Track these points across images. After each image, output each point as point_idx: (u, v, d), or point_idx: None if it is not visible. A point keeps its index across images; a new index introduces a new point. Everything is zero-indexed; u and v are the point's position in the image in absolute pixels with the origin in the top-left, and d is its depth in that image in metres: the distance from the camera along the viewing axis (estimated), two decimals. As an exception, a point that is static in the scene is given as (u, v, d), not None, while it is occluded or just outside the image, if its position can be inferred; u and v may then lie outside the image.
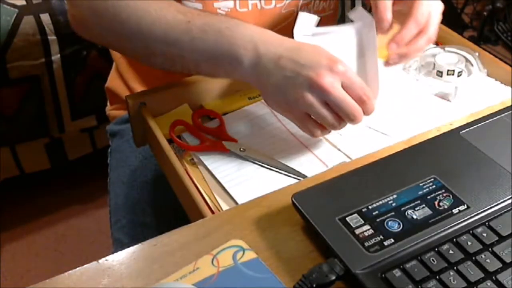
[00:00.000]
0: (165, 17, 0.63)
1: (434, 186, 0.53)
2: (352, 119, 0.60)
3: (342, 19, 1.31)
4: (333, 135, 0.69)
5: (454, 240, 0.48)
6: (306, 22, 0.69)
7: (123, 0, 0.65)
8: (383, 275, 0.45)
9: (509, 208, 0.51)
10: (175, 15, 0.63)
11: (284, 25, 0.83)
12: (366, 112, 0.61)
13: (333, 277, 0.45)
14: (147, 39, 0.64)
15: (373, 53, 0.67)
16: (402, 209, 0.51)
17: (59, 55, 1.31)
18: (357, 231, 0.49)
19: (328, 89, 0.57)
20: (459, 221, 0.50)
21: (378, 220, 0.50)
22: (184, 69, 0.67)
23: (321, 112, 0.59)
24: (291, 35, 0.70)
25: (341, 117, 0.60)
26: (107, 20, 0.66)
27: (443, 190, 0.53)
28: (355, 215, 0.50)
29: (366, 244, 0.48)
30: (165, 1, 0.65)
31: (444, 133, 0.61)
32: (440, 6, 0.69)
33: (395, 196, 0.52)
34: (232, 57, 0.61)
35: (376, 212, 0.51)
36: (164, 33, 0.63)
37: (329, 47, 0.62)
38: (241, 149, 0.66)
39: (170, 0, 0.66)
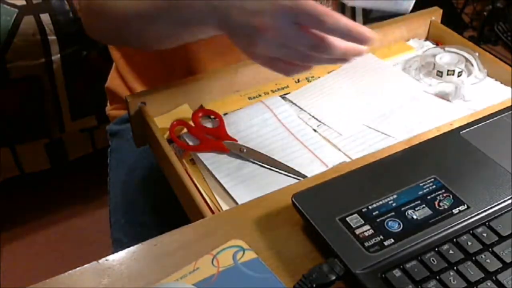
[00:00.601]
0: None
1: (434, 186, 0.53)
2: (316, 49, 0.55)
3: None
4: (333, 135, 0.69)
5: (454, 240, 0.48)
6: None
7: None
8: (383, 275, 0.45)
9: (509, 208, 0.51)
10: None
11: None
12: (338, 34, 0.54)
13: (333, 277, 0.45)
14: (128, 22, 0.68)
15: None
16: (402, 209, 0.51)
17: (59, 55, 1.31)
18: (357, 231, 0.49)
19: (277, 30, 0.54)
20: (459, 221, 0.50)
21: (378, 220, 0.50)
22: (165, 41, 0.69)
23: (281, 53, 0.56)
24: None
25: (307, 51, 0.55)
26: (99, 13, 0.71)
27: (443, 190, 0.53)
28: (355, 215, 0.50)
29: (366, 244, 0.48)
30: None
31: (444, 133, 0.61)
32: None
33: (395, 196, 0.52)
34: (190, 17, 0.61)
35: (376, 212, 0.51)
36: (140, 12, 0.65)
37: None
38: (241, 149, 0.66)
39: None
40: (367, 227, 0.49)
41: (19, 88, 1.32)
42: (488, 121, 0.62)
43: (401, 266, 0.46)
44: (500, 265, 0.46)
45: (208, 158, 0.66)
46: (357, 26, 0.54)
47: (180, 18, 0.63)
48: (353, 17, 1.16)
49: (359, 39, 0.55)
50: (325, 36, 0.54)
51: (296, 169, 0.64)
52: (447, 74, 0.76)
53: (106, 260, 0.50)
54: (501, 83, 0.77)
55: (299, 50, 0.55)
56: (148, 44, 0.72)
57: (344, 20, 0.53)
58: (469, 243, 0.48)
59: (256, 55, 0.58)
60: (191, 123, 0.69)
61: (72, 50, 1.32)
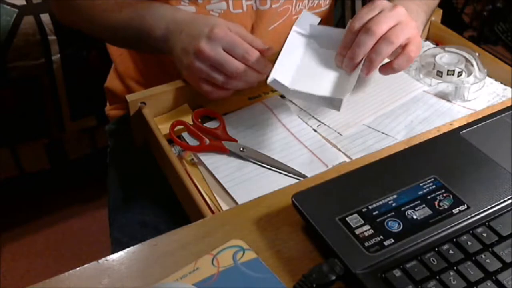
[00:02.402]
0: (105, 8, 0.76)
1: (434, 186, 0.53)
2: (235, 76, 0.66)
3: (342, 19, 1.31)
4: (333, 135, 0.69)
5: (454, 240, 0.48)
6: (306, 21, 0.70)
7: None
8: (383, 275, 0.45)
9: (509, 208, 0.51)
10: (112, 6, 0.75)
11: (280, 23, 0.83)
12: (257, 68, 0.66)
13: (333, 277, 0.45)
14: (98, 27, 0.78)
15: None
16: (402, 209, 0.51)
17: (59, 55, 1.31)
18: (357, 231, 0.49)
19: (208, 54, 0.65)
20: (459, 221, 0.50)
21: (378, 220, 0.50)
22: (136, 49, 0.85)
23: (209, 74, 0.67)
24: (286, 33, 0.71)
25: (228, 75, 0.66)
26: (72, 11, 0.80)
27: (443, 190, 0.53)
28: (355, 215, 0.50)
29: (366, 244, 0.48)
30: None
31: (444, 133, 0.61)
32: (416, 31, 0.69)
33: (395, 196, 0.52)
34: (150, 37, 0.72)
35: (376, 212, 0.51)
36: (107, 22, 0.76)
37: (322, 47, 0.68)
38: (241, 149, 0.66)
39: None
40: (367, 227, 0.49)
41: (19, 88, 1.31)
42: (488, 121, 0.62)
43: (401, 266, 0.46)
44: (500, 265, 0.46)
45: (208, 158, 0.66)
46: (267, 65, 0.66)
47: (141, 41, 0.74)
48: (353, 16, 1.17)
49: (263, 72, 0.67)
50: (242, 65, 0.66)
51: (296, 169, 0.64)
52: (447, 74, 0.76)
53: (106, 260, 0.50)
54: (501, 83, 0.77)
55: (222, 74, 0.66)
56: (114, 44, 0.88)
57: (261, 59, 0.66)
58: (469, 243, 0.48)
59: (190, 76, 0.69)
60: (191, 123, 0.69)
61: (72, 50, 1.32)
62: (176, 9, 0.75)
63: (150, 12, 0.73)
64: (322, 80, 0.67)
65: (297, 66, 0.69)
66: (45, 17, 1.27)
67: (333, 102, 0.62)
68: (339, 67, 0.68)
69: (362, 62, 0.65)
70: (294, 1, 0.81)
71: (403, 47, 0.67)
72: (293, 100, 0.74)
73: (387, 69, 0.69)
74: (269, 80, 0.63)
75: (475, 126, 0.61)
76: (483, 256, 0.47)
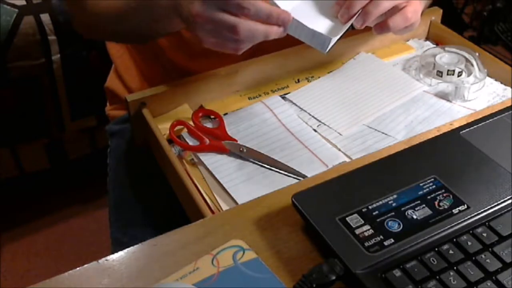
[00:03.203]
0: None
1: (434, 186, 0.53)
2: (234, 32, 0.60)
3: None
4: (333, 135, 0.69)
5: (454, 240, 0.48)
6: None
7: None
8: (383, 275, 0.45)
9: (509, 208, 0.51)
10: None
11: None
12: (259, 19, 0.60)
13: (333, 277, 0.45)
14: (103, 18, 0.75)
15: None
16: (402, 209, 0.51)
17: (59, 55, 1.31)
18: (357, 231, 0.49)
19: (205, 17, 0.60)
20: (459, 221, 0.50)
21: (378, 220, 0.50)
22: (140, 36, 0.77)
23: (216, 38, 0.62)
24: (287, 34, 0.71)
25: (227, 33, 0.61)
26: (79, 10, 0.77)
27: (443, 190, 0.53)
28: (355, 215, 0.50)
29: (366, 244, 0.48)
30: None
31: (444, 133, 0.61)
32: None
33: (395, 196, 0.52)
34: (162, 15, 0.67)
35: (376, 212, 0.51)
36: (114, 11, 0.73)
37: None
38: (241, 149, 0.66)
39: None
40: (367, 227, 0.49)
41: (19, 88, 1.31)
42: (488, 121, 0.62)
43: (401, 266, 0.46)
44: (500, 265, 0.46)
45: (208, 158, 0.66)
46: (275, 11, 0.60)
47: (150, 15, 0.69)
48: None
49: (279, 22, 0.61)
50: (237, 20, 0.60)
51: (296, 169, 0.64)
52: (447, 74, 0.76)
53: (106, 260, 0.50)
54: (501, 83, 0.77)
55: (227, 34, 0.61)
56: (125, 39, 0.83)
57: (263, 7, 0.60)
58: (469, 243, 0.48)
59: (204, 41, 0.63)
60: (191, 123, 0.69)
61: (72, 50, 1.32)
62: None
63: None
64: (314, 23, 0.65)
65: (293, 7, 0.65)
66: (45, 17, 1.27)
67: (322, 40, 0.62)
68: (334, 16, 0.66)
69: (357, 14, 0.64)
70: None
71: (401, 8, 0.65)
72: None
73: (382, 27, 0.66)
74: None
75: (475, 126, 0.61)
76: (483, 256, 0.47)
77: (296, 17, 0.62)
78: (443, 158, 0.57)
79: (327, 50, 0.63)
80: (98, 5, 0.74)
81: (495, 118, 0.62)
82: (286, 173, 0.64)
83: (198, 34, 0.63)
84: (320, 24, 0.65)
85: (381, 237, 0.48)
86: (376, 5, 0.64)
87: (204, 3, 0.60)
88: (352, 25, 0.66)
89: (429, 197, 0.52)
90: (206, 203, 0.59)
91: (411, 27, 0.68)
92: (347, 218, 0.50)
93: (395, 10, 0.65)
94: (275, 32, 0.61)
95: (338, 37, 0.63)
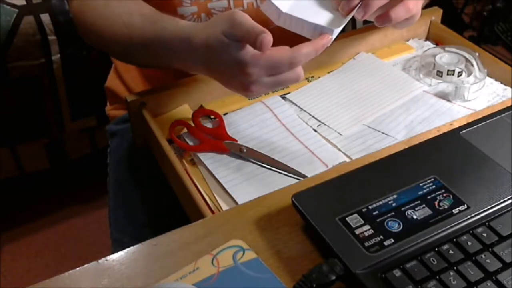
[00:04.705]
0: (114, 31, 0.71)
1: (434, 186, 0.53)
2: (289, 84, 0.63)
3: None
4: (333, 135, 0.69)
5: (454, 240, 0.48)
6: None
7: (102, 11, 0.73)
8: (383, 275, 0.45)
9: (509, 208, 0.51)
10: (121, 30, 0.70)
11: None
12: (295, 62, 0.60)
13: (333, 277, 0.45)
14: (110, 46, 0.74)
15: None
16: (402, 209, 0.51)
17: (59, 55, 1.31)
18: (357, 231, 0.49)
19: (260, 89, 0.61)
20: (459, 221, 0.50)
21: (378, 220, 0.50)
22: (156, 66, 0.75)
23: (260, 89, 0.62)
24: (287, 32, 0.71)
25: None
26: (87, 29, 0.76)
27: (443, 190, 0.53)
28: (355, 215, 0.50)
29: (366, 244, 0.48)
30: (116, 10, 0.72)
31: (444, 133, 0.61)
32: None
33: (395, 196, 0.52)
34: (166, 63, 0.67)
35: (376, 212, 0.51)
36: (118, 44, 0.72)
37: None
38: (241, 149, 0.66)
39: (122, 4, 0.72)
40: (367, 227, 0.49)
41: (19, 88, 1.31)
42: (488, 121, 0.62)
43: (401, 266, 0.46)
44: (500, 265, 0.46)
45: (208, 158, 0.66)
46: (299, 76, 0.61)
47: (165, 59, 0.68)
48: (353, 16, 1.17)
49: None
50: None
51: (296, 169, 0.64)
52: (447, 74, 0.76)
53: (106, 260, 0.50)
54: (501, 83, 0.77)
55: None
56: (130, 62, 0.82)
57: (293, 74, 0.60)
58: (469, 243, 0.48)
59: (253, 94, 0.63)
60: (191, 123, 0.69)
61: (72, 50, 1.32)
62: (187, 32, 0.65)
63: (161, 43, 0.66)
64: (315, 16, 0.64)
65: (291, 5, 0.65)
66: (45, 17, 1.27)
67: (323, 32, 0.62)
68: (334, 9, 0.66)
69: (358, 6, 0.64)
70: None
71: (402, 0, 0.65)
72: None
73: (384, 18, 0.66)
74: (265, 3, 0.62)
75: (475, 126, 0.61)
76: (483, 256, 0.47)
77: (296, 14, 0.62)
78: (443, 158, 0.57)
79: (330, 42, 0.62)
80: (107, 33, 0.73)
81: (495, 118, 0.62)
82: (286, 173, 0.64)
83: (247, 89, 0.62)
84: (321, 18, 0.64)
85: (381, 237, 0.48)
86: None
87: (260, 83, 0.60)
88: (352, 25, 0.66)
89: (429, 197, 0.52)
90: (206, 203, 0.59)
91: (412, 19, 0.68)
92: (347, 218, 0.50)
93: (396, 1, 0.65)
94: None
95: (340, 28, 0.62)
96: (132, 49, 0.70)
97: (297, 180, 0.62)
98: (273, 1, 0.62)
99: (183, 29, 0.65)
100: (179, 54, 0.65)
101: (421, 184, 0.53)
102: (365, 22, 0.98)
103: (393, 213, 0.50)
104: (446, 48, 0.79)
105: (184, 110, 0.73)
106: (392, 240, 0.48)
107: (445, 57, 0.78)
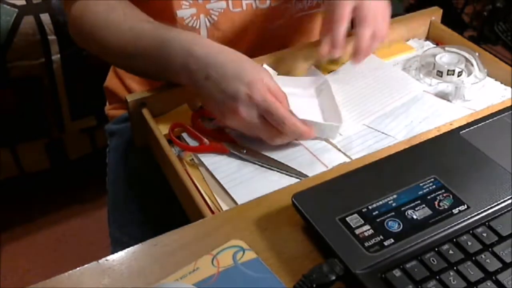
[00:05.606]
0: (118, 35, 0.71)
1: (434, 186, 0.53)
2: (269, 140, 0.64)
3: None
4: (333, 135, 0.69)
5: (454, 240, 0.48)
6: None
7: (98, 21, 0.73)
8: (383, 275, 0.45)
9: (509, 208, 0.51)
10: (126, 34, 0.70)
11: (280, 23, 0.83)
12: (287, 134, 0.63)
13: (333, 277, 0.45)
14: (110, 53, 0.74)
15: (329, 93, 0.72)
16: (402, 209, 0.51)
17: (59, 55, 1.31)
18: (357, 231, 0.49)
19: (246, 120, 0.62)
20: (459, 221, 0.50)
21: (378, 220, 0.50)
22: (151, 77, 0.77)
23: (246, 131, 0.65)
24: (287, 33, 0.71)
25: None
26: (86, 35, 0.76)
27: (443, 190, 0.53)
28: (355, 215, 0.50)
29: (366, 244, 0.48)
30: (120, 17, 0.72)
31: (444, 133, 0.61)
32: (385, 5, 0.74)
33: (395, 196, 0.52)
34: (167, 70, 0.67)
35: (376, 212, 0.51)
36: (122, 50, 0.71)
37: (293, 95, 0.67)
38: (241, 149, 0.66)
39: (126, 11, 0.73)
40: (367, 227, 0.49)
41: (19, 88, 1.32)
42: (488, 121, 0.62)
43: (401, 266, 0.46)
44: (500, 265, 0.46)
45: (208, 158, 0.66)
46: (306, 133, 0.64)
47: (159, 68, 0.69)
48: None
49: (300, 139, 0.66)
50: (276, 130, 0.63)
51: (296, 169, 0.64)
52: (447, 74, 0.76)
53: (106, 260, 0.50)
54: (501, 83, 0.77)
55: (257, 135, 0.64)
56: (124, 70, 0.84)
57: (299, 127, 0.63)
58: (469, 243, 0.48)
59: (224, 120, 0.65)
60: (191, 123, 0.69)
61: (72, 50, 1.32)
62: (192, 39, 0.66)
63: (165, 46, 0.66)
64: (314, 116, 0.70)
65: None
66: (45, 17, 1.27)
67: (330, 129, 0.67)
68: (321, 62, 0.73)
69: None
70: (294, 0, 0.82)
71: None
72: None
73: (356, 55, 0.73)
74: None
75: (475, 126, 0.61)
76: (483, 256, 0.47)
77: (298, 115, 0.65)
78: (443, 158, 0.57)
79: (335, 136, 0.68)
80: (103, 41, 0.73)
81: (495, 118, 0.62)
82: (286, 173, 0.64)
83: (224, 120, 0.65)
84: (322, 117, 0.71)
85: (381, 237, 0.48)
86: (361, 40, 0.71)
87: (248, 105, 0.62)
88: (352, 25, 0.67)
89: (429, 197, 0.52)
90: (206, 203, 0.59)
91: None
92: (347, 218, 0.50)
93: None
94: (307, 136, 0.65)
95: (341, 123, 0.68)
96: (135, 51, 0.69)
97: (297, 180, 0.62)
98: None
99: (196, 35, 0.68)
100: (185, 54, 0.65)
101: (421, 184, 0.53)
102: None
103: (393, 213, 0.50)
104: (446, 48, 0.79)
105: (184, 110, 0.73)
106: (392, 240, 0.48)
107: (445, 57, 0.78)
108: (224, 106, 0.63)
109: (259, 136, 0.65)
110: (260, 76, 0.63)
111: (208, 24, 0.79)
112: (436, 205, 0.51)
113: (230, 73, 0.63)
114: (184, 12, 0.77)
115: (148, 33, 0.69)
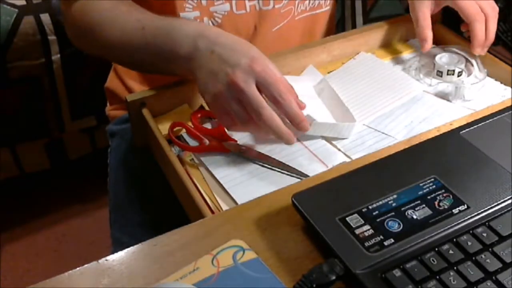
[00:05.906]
0: (125, 27, 0.70)
1: (434, 186, 0.53)
2: (259, 118, 0.60)
3: (342, 20, 1.31)
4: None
5: (454, 240, 0.48)
6: None
7: (95, 18, 0.72)
8: (383, 275, 0.45)
9: (509, 208, 0.51)
10: (133, 24, 0.69)
11: (283, 24, 0.83)
12: (284, 113, 0.61)
13: (333, 277, 0.45)
14: (115, 49, 0.72)
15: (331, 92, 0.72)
16: (402, 209, 0.51)
17: (59, 55, 1.31)
18: (357, 231, 0.49)
19: (240, 86, 0.59)
20: (459, 221, 0.50)
21: (378, 220, 0.50)
22: (152, 70, 0.74)
23: (234, 108, 0.61)
24: (289, 34, 0.71)
25: (252, 116, 0.60)
26: (88, 34, 0.74)
27: (443, 190, 0.53)
28: (355, 215, 0.50)
29: (366, 244, 0.48)
30: (127, 11, 0.71)
31: (444, 133, 0.61)
32: None
33: (395, 196, 0.52)
34: (172, 52, 0.65)
35: (376, 212, 0.51)
36: (127, 42, 0.70)
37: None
38: (241, 149, 0.66)
39: (132, 8, 0.72)
40: (367, 227, 0.49)
41: (19, 88, 1.31)
42: (488, 121, 0.62)
43: (401, 266, 0.46)
44: (500, 265, 0.46)
45: (208, 158, 0.66)
46: (301, 116, 0.61)
47: (160, 56, 0.67)
48: (353, 16, 1.16)
49: (298, 127, 0.62)
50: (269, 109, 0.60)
51: (296, 169, 0.64)
52: (447, 74, 0.76)
53: (106, 260, 0.50)
54: (501, 83, 0.77)
55: (246, 110, 0.60)
56: (127, 66, 0.83)
57: (295, 106, 0.60)
58: (469, 243, 0.48)
59: (214, 103, 0.63)
60: (191, 123, 0.69)
61: (72, 50, 1.32)
62: (204, 25, 0.70)
63: (176, 28, 0.66)
64: (329, 117, 0.71)
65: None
66: (45, 17, 1.27)
67: (347, 129, 0.68)
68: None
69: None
70: (297, 2, 0.82)
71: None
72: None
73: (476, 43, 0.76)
74: None
75: (475, 126, 0.61)
76: (483, 256, 0.47)
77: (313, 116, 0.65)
78: (443, 158, 0.57)
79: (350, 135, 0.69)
80: (102, 38, 0.72)
81: (495, 118, 0.62)
82: (286, 173, 0.64)
83: (216, 97, 0.61)
84: (332, 116, 0.71)
85: (381, 237, 0.48)
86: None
87: (249, 74, 0.59)
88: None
89: (429, 197, 0.52)
90: (206, 203, 0.59)
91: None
92: (347, 218, 0.50)
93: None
94: (287, 138, 0.61)
95: (355, 122, 0.68)
96: (141, 40, 0.68)
97: (297, 180, 0.62)
98: None
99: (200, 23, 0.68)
100: (190, 38, 0.64)
101: (421, 184, 0.53)
102: (365, 22, 0.98)
103: (393, 213, 0.50)
104: (446, 48, 0.79)
105: (184, 110, 0.73)
106: (392, 240, 0.48)
107: (445, 57, 0.78)
108: (219, 75, 0.60)
109: (243, 122, 0.62)
110: (267, 60, 0.61)
111: None
112: (436, 205, 0.51)
113: (238, 48, 0.62)
114: (187, 15, 0.77)
115: (156, 21, 0.68)
